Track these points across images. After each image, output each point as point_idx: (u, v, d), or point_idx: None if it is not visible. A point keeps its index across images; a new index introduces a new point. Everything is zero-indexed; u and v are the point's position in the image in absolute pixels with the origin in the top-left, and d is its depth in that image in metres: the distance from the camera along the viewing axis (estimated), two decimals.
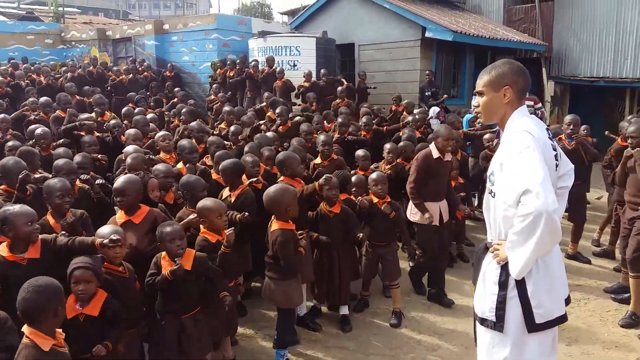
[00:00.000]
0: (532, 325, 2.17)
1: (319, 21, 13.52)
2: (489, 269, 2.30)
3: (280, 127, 6.91)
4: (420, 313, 4.63)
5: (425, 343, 4.14)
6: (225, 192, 4.27)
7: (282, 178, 4.35)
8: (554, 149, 2.24)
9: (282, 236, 3.54)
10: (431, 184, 4.68)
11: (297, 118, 7.13)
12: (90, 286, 2.72)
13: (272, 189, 3.67)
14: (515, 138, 2.16)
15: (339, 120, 6.88)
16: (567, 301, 2.35)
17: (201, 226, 3.49)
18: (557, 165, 2.25)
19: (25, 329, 2.28)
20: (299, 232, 3.72)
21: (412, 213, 4.80)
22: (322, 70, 10.96)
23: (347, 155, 6.10)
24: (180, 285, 3.06)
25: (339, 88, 9.78)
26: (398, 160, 5.60)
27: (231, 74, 11.24)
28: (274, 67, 10.57)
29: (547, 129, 2.30)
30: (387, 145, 5.64)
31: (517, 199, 2.04)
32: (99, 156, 5.00)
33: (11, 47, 16.41)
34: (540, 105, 9.25)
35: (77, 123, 5.90)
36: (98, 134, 5.91)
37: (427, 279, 5.00)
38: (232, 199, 4.15)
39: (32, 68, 12.06)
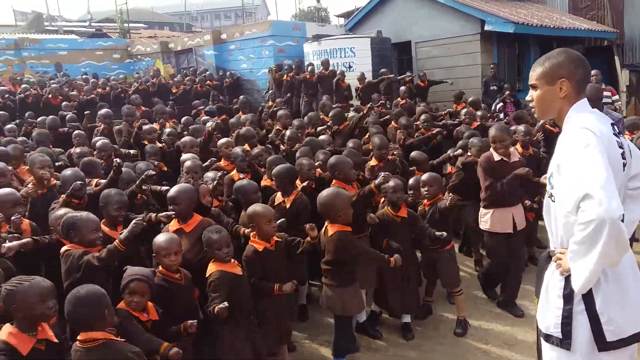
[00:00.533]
0: (602, 344, 1.93)
1: (373, 21, 13.36)
2: (552, 280, 2.09)
3: (339, 128, 6.82)
4: (487, 322, 4.36)
5: (493, 354, 3.89)
6: (278, 198, 4.22)
7: (334, 182, 4.23)
8: (621, 147, 1.97)
9: (341, 236, 3.43)
10: (496, 189, 4.26)
11: (351, 115, 7.02)
12: (144, 299, 2.75)
13: (324, 193, 3.57)
14: (574, 136, 1.94)
15: (402, 122, 6.70)
16: None
17: (251, 234, 3.45)
18: (624, 165, 1.98)
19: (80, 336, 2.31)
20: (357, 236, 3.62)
21: (483, 221, 4.45)
22: (382, 70, 10.76)
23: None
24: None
25: (402, 88, 9.56)
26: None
27: (287, 79, 11.31)
28: (329, 69, 10.51)
29: (614, 124, 2.04)
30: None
31: (577, 205, 1.82)
32: (155, 163, 5.09)
33: (82, 64, 17.41)
34: (617, 97, 8.60)
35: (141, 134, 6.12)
36: (159, 144, 6.06)
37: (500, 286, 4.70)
38: (288, 205, 4.10)
39: (99, 82, 12.68)
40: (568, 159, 1.92)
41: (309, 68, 11.04)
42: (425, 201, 4.35)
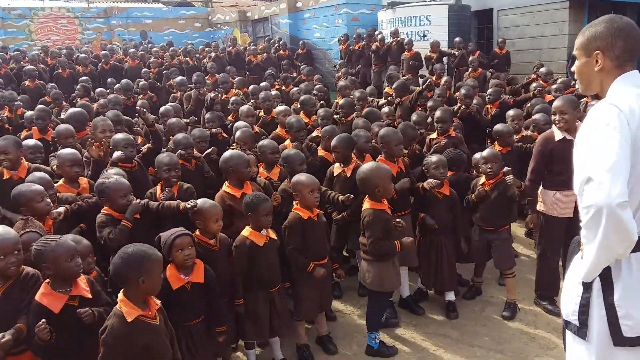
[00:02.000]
0: (619, 338, 1.79)
1: None
2: (576, 265, 1.93)
3: (399, 100, 6.63)
4: (539, 307, 4.14)
5: (540, 340, 3.69)
6: (337, 168, 4.19)
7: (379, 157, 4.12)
8: None
9: (371, 216, 3.36)
10: (557, 171, 3.79)
11: (419, 89, 6.76)
12: (193, 251, 2.81)
13: (364, 167, 3.50)
14: (597, 113, 1.76)
15: (462, 91, 6.36)
16: None
17: (294, 202, 3.47)
18: None
19: (120, 294, 2.34)
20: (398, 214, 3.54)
21: (540, 201, 4.03)
22: (457, 39, 10.29)
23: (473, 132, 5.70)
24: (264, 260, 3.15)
25: (470, 58, 9.11)
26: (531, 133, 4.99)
27: (357, 48, 11.12)
28: (398, 39, 10.19)
29: None
30: (511, 112, 4.96)
31: (582, 188, 1.69)
32: (213, 130, 5.22)
33: (165, 32, 18.15)
34: None
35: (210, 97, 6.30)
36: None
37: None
38: (348, 174, 4.06)
39: (179, 50, 13.16)
40: (585, 137, 1.77)
41: (379, 37, 10.77)
42: (484, 179, 4.11)
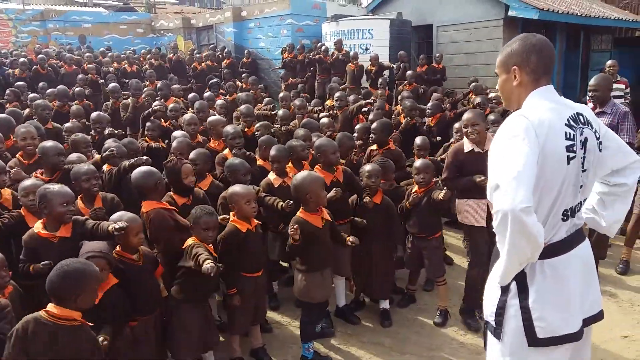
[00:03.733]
0: (533, 339, 1.89)
1: (396, 3, 13.00)
2: (495, 269, 2.03)
3: (338, 112, 6.71)
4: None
5: (470, 346, 3.82)
6: (276, 180, 4.15)
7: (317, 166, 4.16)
8: (570, 139, 1.86)
9: (299, 221, 3.39)
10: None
11: (359, 103, 6.86)
12: (103, 274, 2.71)
13: (298, 175, 3.52)
14: (507, 124, 1.88)
15: (407, 103, 6.52)
16: (597, 318, 2.02)
17: (231, 213, 3.43)
18: (571, 158, 1.85)
19: (51, 306, 2.30)
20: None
21: (457, 212, 4.10)
22: (401, 52, 10.54)
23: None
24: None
25: (408, 72, 9.37)
26: None
27: (301, 58, 11.21)
28: (342, 51, 10.36)
29: (579, 115, 1.93)
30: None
31: (491, 194, 1.81)
32: (153, 145, 5.08)
33: (106, 37, 17.58)
34: (628, 90, 8.26)
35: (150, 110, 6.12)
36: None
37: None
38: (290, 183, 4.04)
39: (121, 56, 12.77)
40: (496, 147, 1.88)
41: (322, 48, 10.89)
42: (417, 188, 4.23)
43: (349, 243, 3.50)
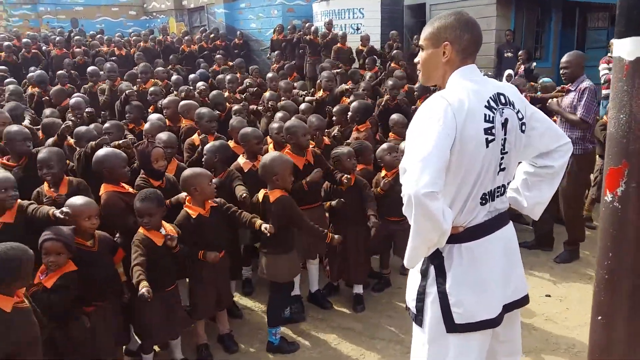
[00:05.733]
0: (450, 325, 1.86)
1: None
2: None
3: (324, 93, 6.61)
4: None
5: None
6: (246, 164, 4.08)
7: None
8: (489, 121, 1.77)
9: (284, 199, 3.35)
10: None
11: (341, 87, 6.75)
12: (60, 258, 2.68)
13: (266, 155, 3.47)
14: (427, 105, 1.79)
15: (389, 82, 6.42)
16: (522, 303, 1.99)
17: (186, 199, 3.36)
18: (489, 141, 1.77)
19: None
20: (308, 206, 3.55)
21: None
22: (392, 32, 10.38)
23: None
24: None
25: (394, 52, 9.22)
26: None
27: (291, 39, 11.06)
28: (331, 31, 10.20)
29: (500, 95, 1.84)
30: (394, 116, 5.09)
31: (402, 177, 1.76)
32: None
33: (98, 20, 17.39)
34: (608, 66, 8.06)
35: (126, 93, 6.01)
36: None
37: None
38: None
39: (111, 39, 12.62)
40: (412, 128, 1.81)
41: (312, 29, 10.73)
42: (384, 172, 4.18)
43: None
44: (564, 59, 4.62)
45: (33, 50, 10.75)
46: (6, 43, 10.67)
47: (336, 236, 3.49)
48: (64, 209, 2.75)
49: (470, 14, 1.94)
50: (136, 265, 2.83)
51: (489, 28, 10.89)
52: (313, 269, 4.15)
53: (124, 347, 3.33)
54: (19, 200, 2.97)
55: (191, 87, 6.48)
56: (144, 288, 2.66)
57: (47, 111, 5.63)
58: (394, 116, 5.04)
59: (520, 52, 10.03)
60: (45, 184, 3.46)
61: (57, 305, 2.67)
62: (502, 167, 1.86)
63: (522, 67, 9.61)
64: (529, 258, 4.73)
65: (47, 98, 6.63)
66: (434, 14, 11.91)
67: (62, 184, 3.47)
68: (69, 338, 2.79)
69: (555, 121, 4.27)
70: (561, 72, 4.62)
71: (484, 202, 1.86)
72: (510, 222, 2.02)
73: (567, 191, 4.57)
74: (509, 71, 9.05)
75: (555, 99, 4.72)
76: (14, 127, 3.93)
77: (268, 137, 4.48)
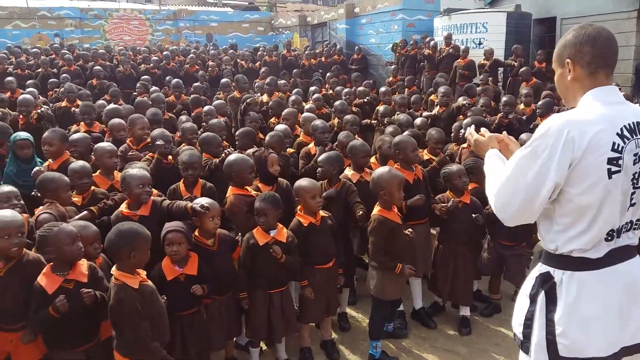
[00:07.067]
0: (554, 356, 1.74)
1: None
2: (529, 277, 1.91)
3: (440, 108, 6.52)
4: None
5: None
6: (354, 175, 4.15)
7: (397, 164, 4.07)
8: (617, 151, 1.63)
9: (375, 222, 3.36)
10: None
11: (458, 103, 6.60)
12: (182, 248, 2.94)
13: (377, 170, 3.52)
14: (549, 119, 1.70)
15: (504, 99, 6.18)
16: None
17: (298, 208, 3.52)
18: (612, 172, 1.63)
19: (113, 270, 2.58)
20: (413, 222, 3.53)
21: None
22: (516, 46, 9.92)
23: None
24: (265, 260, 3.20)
25: (523, 69, 8.79)
26: None
27: (407, 52, 11.06)
28: (451, 45, 10.01)
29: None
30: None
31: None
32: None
33: (230, 35, 18.77)
34: None
35: (247, 102, 6.46)
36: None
37: None
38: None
39: (237, 54, 13.56)
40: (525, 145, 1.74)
41: (431, 43, 10.62)
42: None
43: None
44: None
45: (172, 63, 11.94)
46: (154, 57, 11.97)
47: (406, 268, 3.40)
48: (204, 203, 3.03)
49: (608, 28, 1.83)
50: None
51: (628, 44, 9.99)
52: (416, 284, 4.10)
53: (234, 339, 3.55)
54: (152, 197, 3.33)
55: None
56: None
57: (183, 117, 6.22)
58: (431, 131, 4.76)
59: None
60: (182, 183, 3.82)
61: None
62: (632, 202, 1.72)
63: None
64: None
65: (181, 106, 7.38)
66: (565, 28, 11.23)
67: (196, 185, 3.83)
68: (188, 326, 3.04)
69: None
70: None
71: (609, 238, 1.72)
72: (638, 256, 1.84)
73: None
74: None
75: None
76: (157, 131, 4.41)
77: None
